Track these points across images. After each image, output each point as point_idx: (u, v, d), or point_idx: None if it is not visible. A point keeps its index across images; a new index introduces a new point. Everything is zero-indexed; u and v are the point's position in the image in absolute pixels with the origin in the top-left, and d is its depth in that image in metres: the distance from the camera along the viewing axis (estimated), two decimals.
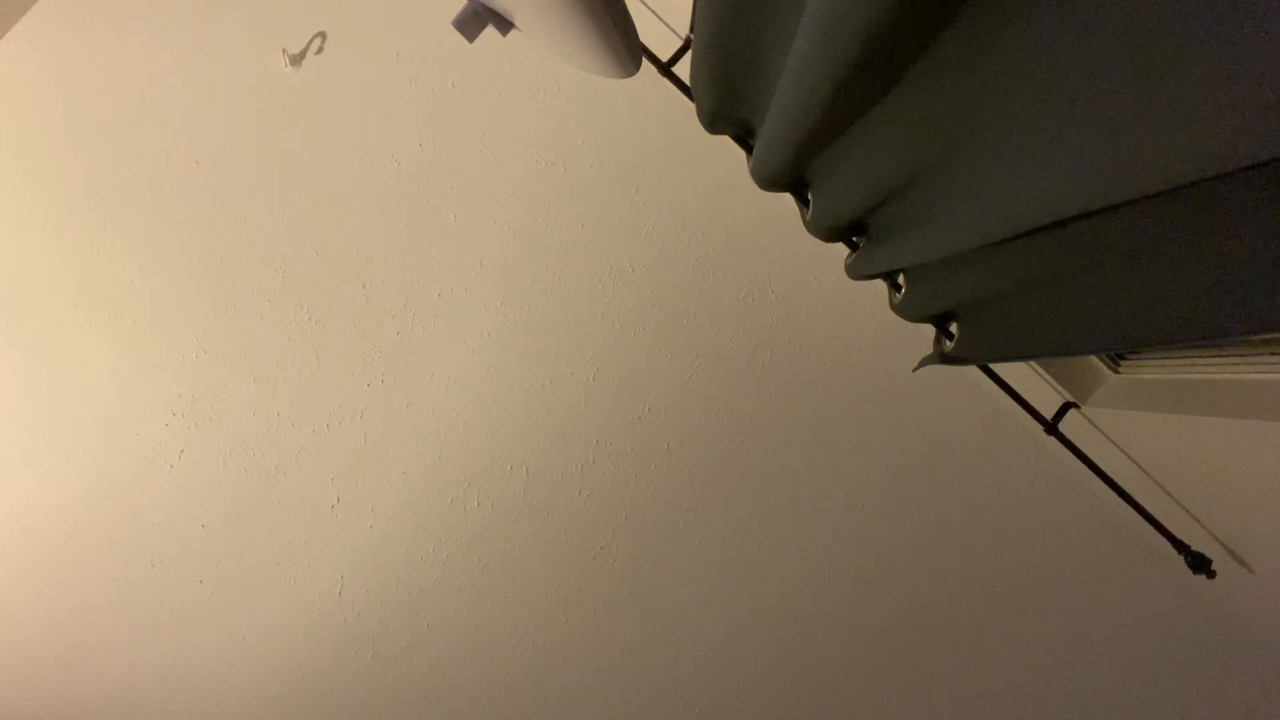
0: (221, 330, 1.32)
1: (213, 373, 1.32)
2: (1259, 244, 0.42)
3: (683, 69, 1.10)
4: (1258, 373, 0.88)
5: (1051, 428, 1.11)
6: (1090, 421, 1.18)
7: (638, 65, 0.74)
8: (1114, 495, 1.09)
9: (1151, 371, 1.11)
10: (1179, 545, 1.07)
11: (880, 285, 1.25)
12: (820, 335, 1.32)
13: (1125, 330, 0.58)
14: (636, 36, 0.72)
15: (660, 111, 1.30)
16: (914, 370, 1.18)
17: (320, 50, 1.31)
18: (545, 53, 1.27)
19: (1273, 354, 0.85)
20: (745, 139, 1.01)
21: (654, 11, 1.22)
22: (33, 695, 1.36)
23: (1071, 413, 1.17)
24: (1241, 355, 0.91)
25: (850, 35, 0.46)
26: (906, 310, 0.98)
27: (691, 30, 0.97)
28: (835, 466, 1.33)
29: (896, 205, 0.76)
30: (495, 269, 1.32)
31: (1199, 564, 1.06)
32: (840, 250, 1.06)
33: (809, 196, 0.96)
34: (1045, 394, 1.20)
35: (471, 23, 0.74)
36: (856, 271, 0.98)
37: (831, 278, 1.30)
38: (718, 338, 1.32)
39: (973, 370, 1.23)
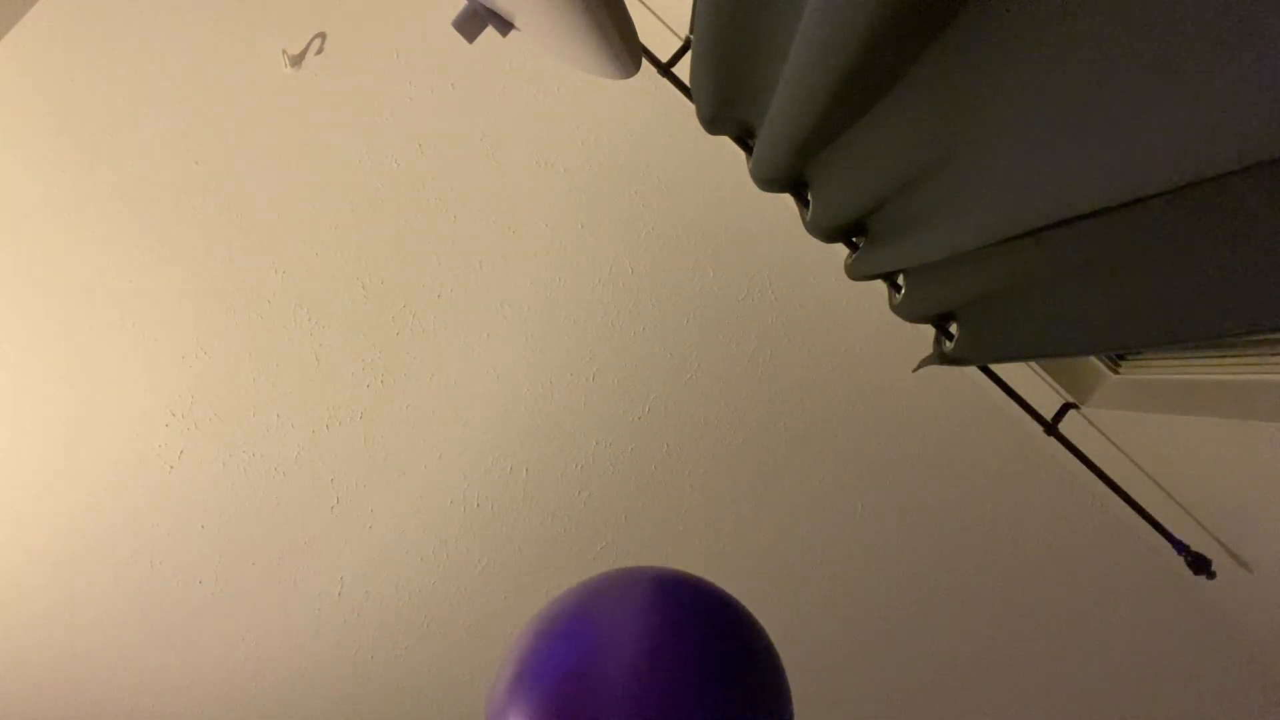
0: (221, 330, 1.32)
1: (213, 373, 1.32)
2: (1259, 244, 0.42)
3: (683, 69, 1.10)
4: (1258, 373, 0.88)
5: (1051, 428, 1.11)
6: (1090, 422, 1.18)
7: (638, 66, 0.74)
8: (1114, 495, 1.09)
9: (1151, 371, 1.11)
10: (1179, 545, 1.07)
11: (880, 285, 1.25)
12: (820, 336, 1.32)
13: (1125, 330, 0.58)
14: (636, 37, 0.72)
15: (660, 112, 1.30)
16: (914, 371, 1.18)
17: (320, 50, 1.31)
18: (545, 53, 1.27)
19: (1273, 354, 0.85)
20: (745, 139, 1.01)
21: (654, 11, 1.22)
22: (31, 696, 1.36)
23: (1071, 413, 1.17)
24: (1241, 355, 0.91)
25: (850, 36, 0.46)
26: (906, 311, 0.98)
27: (691, 30, 0.97)
28: (834, 466, 1.33)
29: (896, 206, 0.76)
30: (495, 270, 1.32)
31: (1199, 564, 1.06)
32: (840, 250, 1.06)
33: (809, 197, 0.96)
34: (1045, 394, 1.20)
35: (471, 23, 0.74)
36: (856, 272, 0.98)
37: (831, 278, 1.30)
38: (718, 338, 1.32)
39: (973, 370, 1.23)
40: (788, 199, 1.18)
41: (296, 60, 1.31)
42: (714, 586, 0.38)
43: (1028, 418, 1.12)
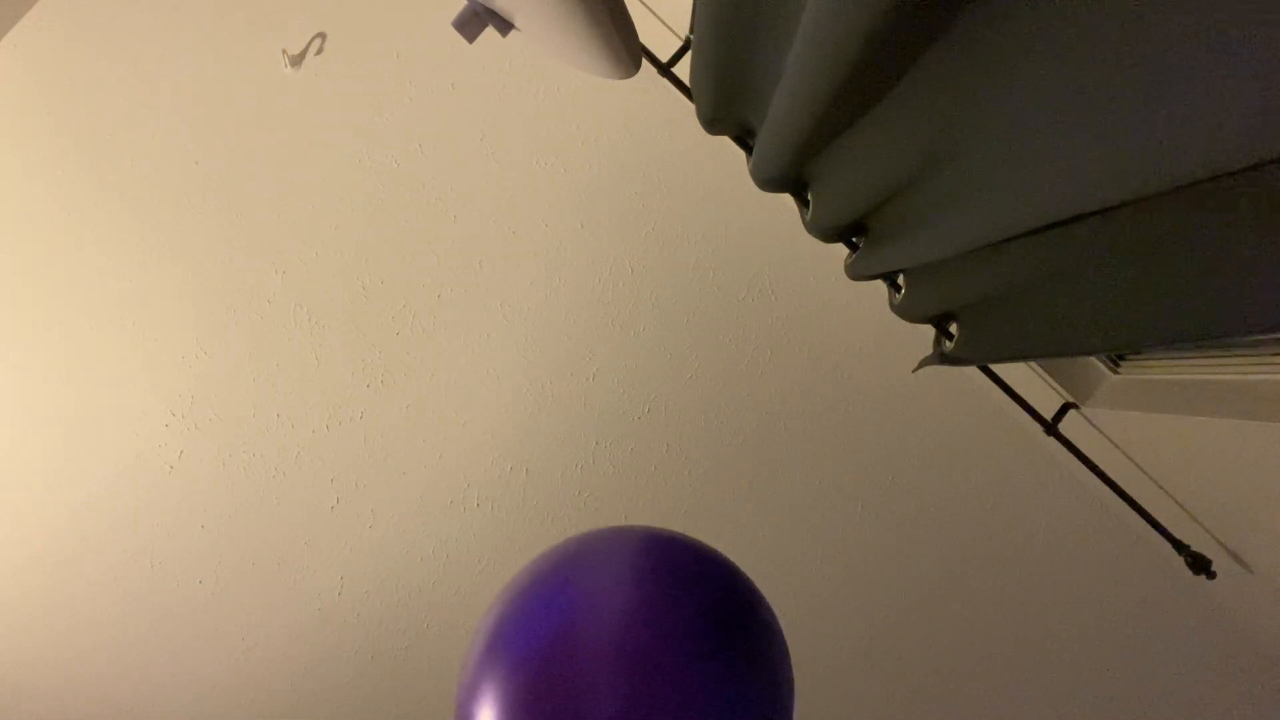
0: (221, 330, 1.32)
1: (212, 373, 1.32)
2: (1259, 244, 0.42)
3: (683, 69, 1.10)
4: (1258, 373, 0.88)
5: (1051, 428, 1.11)
6: (1090, 422, 1.18)
7: (637, 66, 0.74)
8: (1114, 495, 1.09)
9: (1151, 371, 1.11)
10: (1179, 545, 1.07)
11: (880, 285, 1.25)
12: (820, 335, 1.32)
13: (1125, 330, 0.58)
14: (636, 37, 0.72)
15: (660, 112, 1.30)
16: (914, 371, 1.18)
17: (320, 50, 1.31)
18: (545, 53, 1.27)
19: (1273, 354, 0.85)
20: (745, 139, 1.01)
21: (654, 11, 1.22)
22: (31, 695, 1.35)
23: (1071, 413, 1.17)
24: (1241, 355, 0.91)
25: (850, 35, 0.46)
26: (906, 311, 0.98)
27: (691, 30, 0.97)
28: (834, 466, 1.33)
29: (896, 206, 0.76)
30: (495, 270, 1.32)
31: (1199, 564, 1.06)
32: (840, 250, 1.06)
33: (809, 197, 0.96)
34: (1045, 394, 1.20)
35: (471, 23, 0.74)
36: (856, 272, 0.98)
37: (831, 278, 1.30)
38: (718, 338, 1.32)
39: (973, 370, 1.23)
40: (788, 199, 1.18)
41: (296, 60, 1.31)
42: (707, 546, 0.35)
43: (1028, 418, 1.12)
